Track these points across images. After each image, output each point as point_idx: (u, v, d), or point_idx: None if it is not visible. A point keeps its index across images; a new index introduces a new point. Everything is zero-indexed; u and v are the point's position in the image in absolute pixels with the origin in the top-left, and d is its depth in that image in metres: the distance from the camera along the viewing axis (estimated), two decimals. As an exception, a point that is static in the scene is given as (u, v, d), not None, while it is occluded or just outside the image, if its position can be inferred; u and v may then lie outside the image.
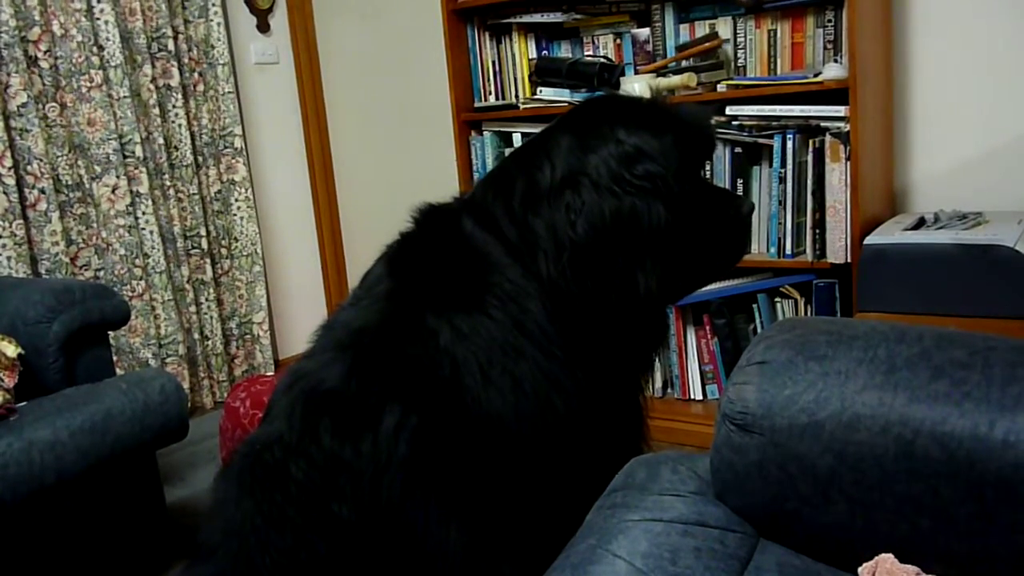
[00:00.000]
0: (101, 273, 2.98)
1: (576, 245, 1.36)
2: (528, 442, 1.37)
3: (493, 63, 2.95)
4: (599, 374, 1.46)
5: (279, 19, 3.64)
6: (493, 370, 1.34)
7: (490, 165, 2.89)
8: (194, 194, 3.24)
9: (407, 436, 1.29)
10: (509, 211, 1.43)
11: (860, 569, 0.96)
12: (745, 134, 2.40)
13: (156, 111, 3.08)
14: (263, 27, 3.57)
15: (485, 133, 2.92)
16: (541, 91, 2.77)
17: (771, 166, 2.39)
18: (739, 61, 2.51)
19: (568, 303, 1.39)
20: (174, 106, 3.15)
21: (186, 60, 3.21)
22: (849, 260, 2.25)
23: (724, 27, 2.51)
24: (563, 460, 1.42)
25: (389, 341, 1.36)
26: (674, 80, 2.47)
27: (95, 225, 2.95)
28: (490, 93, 2.97)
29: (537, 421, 1.37)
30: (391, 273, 1.46)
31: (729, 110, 2.40)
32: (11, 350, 1.94)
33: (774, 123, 2.34)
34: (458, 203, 1.53)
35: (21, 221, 2.70)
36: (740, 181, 2.46)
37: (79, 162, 2.90)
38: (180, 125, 3.17)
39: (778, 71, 2.45)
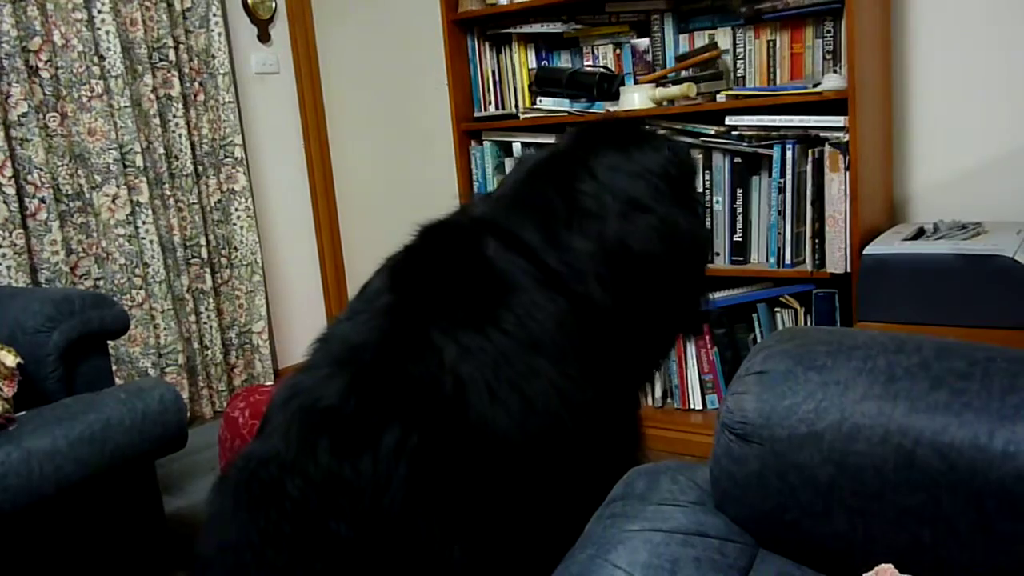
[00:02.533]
0: (101, 282, 2.98)
1: (639, 263, 1.41)
2: (534, 459, 1.37)
3: (493, 73, 2.96)
4: (609, 390, 1.48)
5: (280, 29, 3.65)
6: (501, 389, 1.34)
7: (490, 175, 2.90)
8: (194, 204, 3.24)
9: (408, 455, 1.28)
10: (547, 233, 1.44)
11: (860, 580, 0.95)
12: (744, 144, 2.40)
13: (156, 121, 3.09)
14: (264, 37, 3.58)
15: (485, 143, 2.92)
16: (541, 101, 2.78)
17: (770, 176, 2.39)
18: (738, 71, 2.51)
19: (599, 322, 1.42)
20: (174, 116, 3.16)
21: (187, 70, 3.22)
22: (849, 270, 2.25)
23: (723, 37, 2.52)
24: (567, 474, 1.42)
25: (389, 358, 1.36)
26: (674, 90, 2.48)
27: (95, 235, 2.95)
28: (490, 103, 2.98)
29: (545, 438, 1.38)
30: (394, 287, 1.46)
31: (728, 120, 2.40)
32: (10, 359, 1.93)
33: (773, 133, 2.35)
34: (472, 221, 1.53)
35: (21, 230, 2.70)
36: (739, 191, 2.46)
37: (79, 172, 2.90)
38: (180, 135, 3.18)
39: (777, 81, 2.46)
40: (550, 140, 2.78)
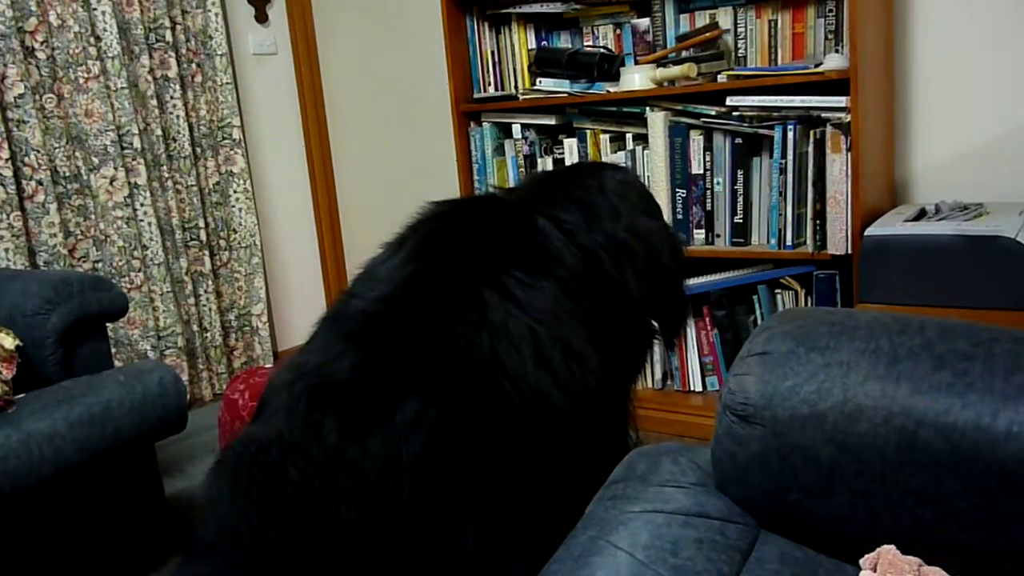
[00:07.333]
0: (99, 265, 2.97)
1: (658, 259, 1.75)
2: (569, 423, 1.44)
3: (492, 54, 2.94)
4: (620, 369, 1.67)
5: (277, 9, 3.62)
6: (550, 349, 1.42)
7: (489, 156, 2.88)
8: (192, 185, 3.23)
9: (423, 431, 1.26)
10: (583, 219, 1.65)
11: (862, 560, 0.95)
12: (745, 125, 2.39)
13: (154, 102, 3.07)
14: (261, 17, 3.56)
15: (484, 124, 2.91)
16: (540, 82, 2.76)
17: (772, 157, 2.38)
18: (740, 51, 2.49)
19: (624, 304, 1.64)
20: (172, 97, 3.14)
21: (184, 51, 3.20)
22: (850, 251, 2.24)
23: (724, 17, 2.50)
24: (586, 444, 1.49)
25: (422, 324, 1.36)
26: (674, 70, 2.46)
27: (93, 217, 2.94)
28: (489, 84, 2.96)
29: (584, 402, 1.48)
30: (429, 253, 1.50)
31: (729, 100, 2.39)
32: (9, 342, 1.93)
33: (775, 114, 2.33)
34: (519, 200, 1.70)
35: (19, 213, 2.69)
36: (740, 172, 2.45)
37: (77, 153, 2.89)
38: (178, 116, 3.16)
39: (779, 61, 2.44)
40: (550, 121, 2.77)
